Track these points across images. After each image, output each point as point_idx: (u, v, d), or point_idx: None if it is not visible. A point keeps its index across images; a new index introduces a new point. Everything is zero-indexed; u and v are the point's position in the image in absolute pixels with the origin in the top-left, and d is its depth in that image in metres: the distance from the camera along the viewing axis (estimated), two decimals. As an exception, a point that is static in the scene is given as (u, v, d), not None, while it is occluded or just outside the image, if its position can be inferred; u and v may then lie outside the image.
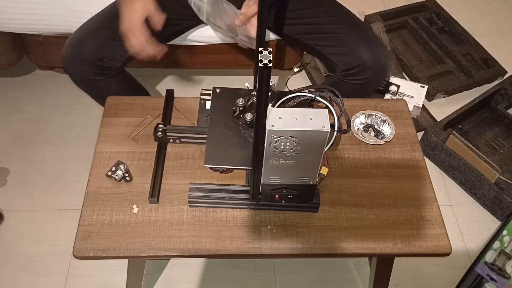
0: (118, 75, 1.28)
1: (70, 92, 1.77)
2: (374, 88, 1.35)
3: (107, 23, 1.25)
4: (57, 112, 1.72)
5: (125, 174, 0.99)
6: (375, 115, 1.13)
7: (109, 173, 1.00)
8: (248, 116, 0.97)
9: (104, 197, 0.98)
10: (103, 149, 1.05)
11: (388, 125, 1.12)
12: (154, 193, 0.98)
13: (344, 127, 1.09)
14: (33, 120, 1.69)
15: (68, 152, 1.61)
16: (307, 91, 1.07)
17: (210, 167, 1.00)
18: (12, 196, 1.50)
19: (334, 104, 1.05)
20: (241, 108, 0.98)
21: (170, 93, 1.15)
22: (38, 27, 1.48)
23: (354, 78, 1.29)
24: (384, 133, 1.12)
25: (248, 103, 0.99)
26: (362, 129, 1.12)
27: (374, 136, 1.11)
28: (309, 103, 1.07)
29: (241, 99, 0.97)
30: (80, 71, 1.24)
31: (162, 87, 1.81)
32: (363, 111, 1.14)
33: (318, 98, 1.04)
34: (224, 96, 1.03)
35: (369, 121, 1.14)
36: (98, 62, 1.22)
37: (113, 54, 1.24)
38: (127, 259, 1.16)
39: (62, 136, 1.66)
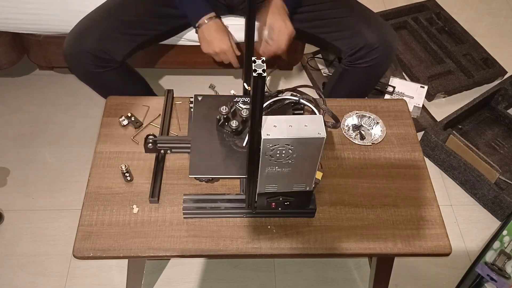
0: (119, 68, 1.28)
1: (70, 92, 1.77)
2: (384, 69, 1.33)
3: (109, 15, 1.25)
4: (57, 112, 1.72)
5: (125, 174, 0.99)
6: (369, 116, 1.13)
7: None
8: (233, 124, 0.95)
9: (104, 197, 0.98)
10: (103, 149, 1.05)
11: (380, 127, 1.12)
12: (154, 193, 0.97)
13: (333, 124, 1.11)
14: (33, 120, 1.69)
15: (68, 152, 1.61)
16: (289, 93, 1.07)
17: (195, 177, 0.99)
18: (12, 196, 1.50)
19: (315, 104, 1.06)
20: (225, 116, 0.96)
21: (170, 93, 1.14)
22: (38, 27, 1.48)
23: (362, 61, 1.27)
24: (373, 135, 1.11)
25: (232, 110, 0.97)
26: (352, 129, 1.12)
27: (360, 138, 1.10)
28: (293, 106, 1.07)
29: (224, 107, 0.96)
30: (81, 63, 1.23)
31: (162, 87, 1.81)
32: (357, 111, 1.14)
33: (301, 100, 1.04)
34: (206, 104, 1.02)
35: (360, 122, 1.13)
36: (99, 54, 1.21)
37: (115, 47, 1.23)
38: (127, 259, 1.16)
39: (62, 136, 1.66)
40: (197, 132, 0.97)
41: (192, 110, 1.07)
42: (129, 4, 1.27)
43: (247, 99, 1.02)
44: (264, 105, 1.02)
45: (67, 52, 1.24)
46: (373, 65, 1.28)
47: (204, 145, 0.96)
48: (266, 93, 1.05)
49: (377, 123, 1.12)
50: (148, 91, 1.45)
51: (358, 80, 1.33)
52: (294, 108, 1.09)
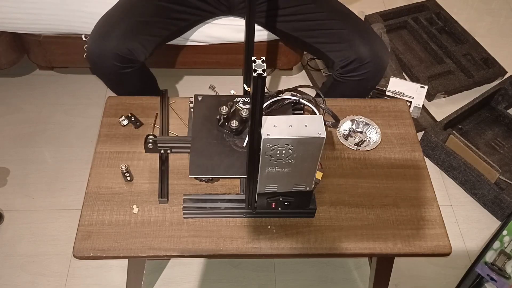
0: (140, 68, 1.27)
1: (70, 92, 1.77)
2: (374, 83, 1.34)
3: (127, 14, 1.24)
4: (57, 112, 1.72)
5: (125, 174, 0.99)
6: (364, 121, 1.13)
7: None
8: (233, 124, 0.95)
9: (104, 197, 0.98)
10: (103, 149, 1.05)
11: (375, 132, 1.11)
12: (163, 193, 0.97)
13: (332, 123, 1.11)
14: (33, 120, 1.69)
15: (68, 152, 1.61)
16: (289, 93, 1.07)
17: (195, 177, 0.99)
18: (12, 196, 1.50)
19: (315, 104, 1.06)
20: (225, 116, 0.96)
21: (164, 93, 1.14)
22: (38, 27, 1.48)
23: (353, 75, 1.28)
24: (369, 141, 1.11)
25: (232, 110, 0.98)
26: (347, 134, 1.12)
27: (356, 144, 1.10)
28: (293, 106, 1.07)
29: (224, 107, 0.96)
30: (106, 63, 1.22)
31: (162, 87, 1.80)
32: (352, 116, 1.13)
33: (302, 100, 1.05)
34: (206, 104, 1.02)
35: (354, 127, 1.13)
36: (125, 54, 1.21)
37: (138, 46, 1.23)
38: (127, 259, 1.16)
39: (62, 136, 1.66)
40: (197, 132, 0.98)
41: (192, 110, 1.07)
42: (144, 4, 1.27)
43: (247, 99, 1.02)
44: (264, 105, 1.02)
45: (91, 51, 1.22)
46: (363, 79, 1.28)
47: (204, 145, 0.96)
48: (266, 94, 1.05)
49: (372, 128, 1.12)
50: (158, 90, 1.45)
51: (348, 91, 1.34)
52: (294, 108, 1.09)
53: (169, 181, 1.00)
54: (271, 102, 1.04)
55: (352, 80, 1.29)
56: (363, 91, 1.36)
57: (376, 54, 1.25)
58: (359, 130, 1.13)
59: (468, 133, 1.73)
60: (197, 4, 1.33)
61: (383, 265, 1.17)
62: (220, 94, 1.08)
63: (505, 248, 1.24)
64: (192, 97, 1.08)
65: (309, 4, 1.29)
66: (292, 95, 1.08)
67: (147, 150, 1.02)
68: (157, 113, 1.12)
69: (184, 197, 0.95)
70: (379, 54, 1.26)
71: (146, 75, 1.36)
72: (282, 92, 1.09)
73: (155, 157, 1.04)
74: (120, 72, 1.24)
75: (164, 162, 1.02)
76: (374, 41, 1.27)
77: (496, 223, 1.53)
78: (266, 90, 0.94)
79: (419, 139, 1.66)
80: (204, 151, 0.95)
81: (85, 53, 1.23)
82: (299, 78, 1.89)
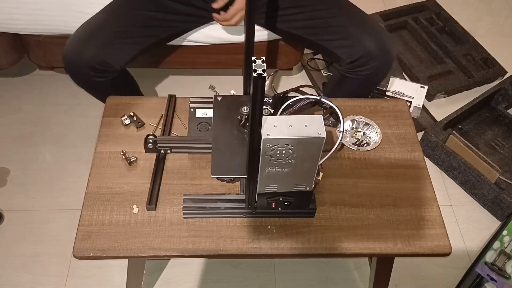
0: (119, 76, 1.28)
1: (70, 92, 1.77)
2: (382, 77, 1.34)
3: (107, 24, 1.25)
4: (57, 112, 1.72)
5: (126, 158, 0.98)
6: (364, 121, 1.12)
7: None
8: None
9: (104, 197, 0.98)
10: (103, 149, 1.05)
11: (376, 132, 1.11)
12: (152, 200, 0.97)
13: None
14: (33, 120, 1.69)
15: (68, 152, 1.61)
16: (310, 94, 1.06)
17: (217, 177, 1.00)
18: (12, 196, 1.50)
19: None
20: (246, 117, 0.96)
21: (172, 98, 1.14)
22: (38, 27, 1.48)
23: (361, 69, 1.27)
24: (370, 140, 1.11)
25: None
26: (348, 133, 1.12)
27: (357, 144, 1.10)
28: (312, 105, 1.06)
29: (245, 107, 0.96)
30: (82, 73, 1.24)
31: (161, 87, 1.81)
32: (352, 116, 1.13)
33: (323, 99, 1.03)
34: (225, 104, 1.02)
35: (355, 127, 1.13)
36: (99, 65, 1.22)
37: (114, 57, 1.24)
38: (127, 259, 1.16)
39: (62, 136, 1.66)
40: (218, 132, 0.97)
41: (192, 110, 1.07)
42: (126, 13, 1.27)
43: (267, 100, 1.01)
44: (284, 105, 1.01)
45: (67, 61, 1.24)
46: (372, 73, 1.28)
47: (225, 146, 0.95)
48: (281, 94, 1.04)
49: (372, 128, 1.12)
50: (139, 94, 1.46)
51: (356, 86, 1.33)
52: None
53: (162, 181, 1.00)
54: (291, 102, 1.02)
55: (360, 75, 1.28)
56: (372, 84, 1.36)
57: (383, 47, 1.24)
58: (359, 130, 1.13)
59: (468, 133, 1.73)
60: (189, 10, 1.32)
61: (383, 265, 1.17)
62: (220, 94, 1.07)
63: (505, 248, 1.24)
64: (192, 97, 1.08)
65: (311, 1, 1.28)
66: (297, 93, 1.07)
67: (147, 150, 1.02)
68: (162, 114, 1.11)
69: (184, 197, 0.95)
70: (386, 47, 1.25)
71: (126, 81, 1.36)
72: (287, 92, 1.08)
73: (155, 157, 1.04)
74: (95, 81, 1.25)
75: (159, 162, 1.02)
76: (380, 35, 1.26)
77: (496, 223, 1.53)
78: (275, 91, 0.92)
79: (419, 139, 1.66)
80: (225, 151, 0.94)
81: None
82: (299, 78, 1.89)
